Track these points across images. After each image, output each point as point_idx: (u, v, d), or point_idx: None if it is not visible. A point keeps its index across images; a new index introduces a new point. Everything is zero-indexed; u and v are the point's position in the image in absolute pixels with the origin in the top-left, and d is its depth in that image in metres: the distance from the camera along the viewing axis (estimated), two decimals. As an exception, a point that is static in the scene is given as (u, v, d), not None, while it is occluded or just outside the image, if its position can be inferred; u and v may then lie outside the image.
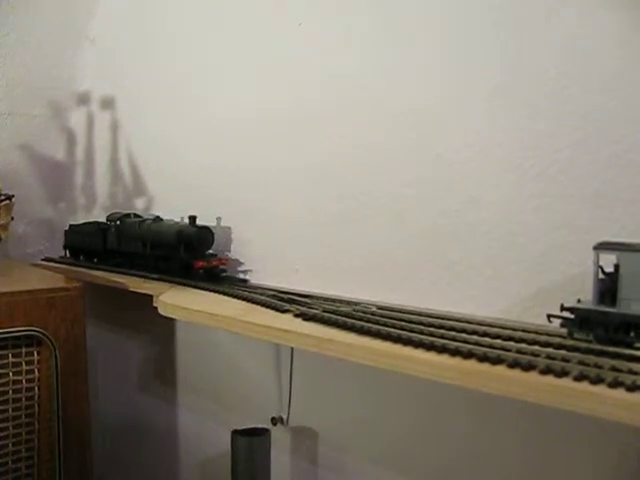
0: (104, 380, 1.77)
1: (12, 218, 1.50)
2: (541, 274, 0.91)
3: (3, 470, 1.12)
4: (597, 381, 0.64)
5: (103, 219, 1.55)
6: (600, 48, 0.85)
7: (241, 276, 1.34)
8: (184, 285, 1.26)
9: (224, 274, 1.32)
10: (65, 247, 1.69)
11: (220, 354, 1.45)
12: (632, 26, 0.83)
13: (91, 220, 1.66)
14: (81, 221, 1.69)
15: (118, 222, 1.48)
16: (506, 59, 0.94)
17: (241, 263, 1.36)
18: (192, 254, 1.29)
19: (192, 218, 1.30)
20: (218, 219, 1.39)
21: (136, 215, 1.51)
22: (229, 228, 1.38)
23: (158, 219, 1.43)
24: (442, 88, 1.02)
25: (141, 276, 1.38)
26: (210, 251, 1.32)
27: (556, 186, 0.90)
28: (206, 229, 1.30)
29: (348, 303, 1.05)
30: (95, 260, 1.58)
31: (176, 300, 1.15)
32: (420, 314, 0.94)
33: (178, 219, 1.42)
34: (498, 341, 0.78)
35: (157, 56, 1.60)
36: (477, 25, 0.98)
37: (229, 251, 1.38)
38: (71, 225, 1.67)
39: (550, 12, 0.89)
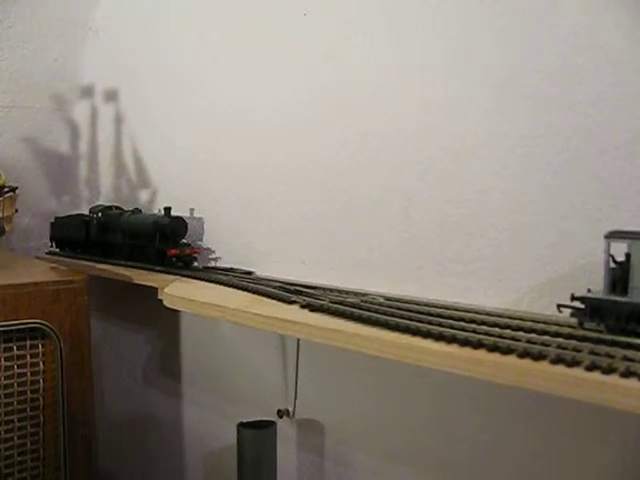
0: (108, 373, 1.76)
1: (16, 210, 1.49)
2: (550, 264, 0.90)
3: (9, 463, 1.12)
4: (609, 371, 0.63)
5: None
6: (608, 37, 0.84)
7: (247, 268, 1.33)
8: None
9: (225, 265, 1.35)
10: (51, 239, 1.72)
11: (225, 346, 1.45)
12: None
13: (75, 213, 1.70)
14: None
15: (100, 214, 1.54)
16: (513, 49, 0.93)
17: (246, 255, 1.35)
18: (166, 243, 1.34)
19: (167, 209, 1.36)
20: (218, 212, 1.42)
21: (117, 207, 1.56)
22: (231, 220, 1.39)
23: (137, 211, 1.49)
24: (449, 79, 1.01)
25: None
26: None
27: (564, 176, 0.89)
28: (180, 219, 1.36)
29: (355, 294, 1.04)
30: (78, 251, 1.62)
31: (181, 292, 1.14)
32: (428, 305, 0.93)
33: (184, 212, 1.42)
34: (508, 331, 0.77)
35: (160, 47, 1.59)
36: (484, 16, 0.96)
37: (232, 243, 1.38)
38: (56, 217, 1.71)
39: (557, 1, 0.88)
